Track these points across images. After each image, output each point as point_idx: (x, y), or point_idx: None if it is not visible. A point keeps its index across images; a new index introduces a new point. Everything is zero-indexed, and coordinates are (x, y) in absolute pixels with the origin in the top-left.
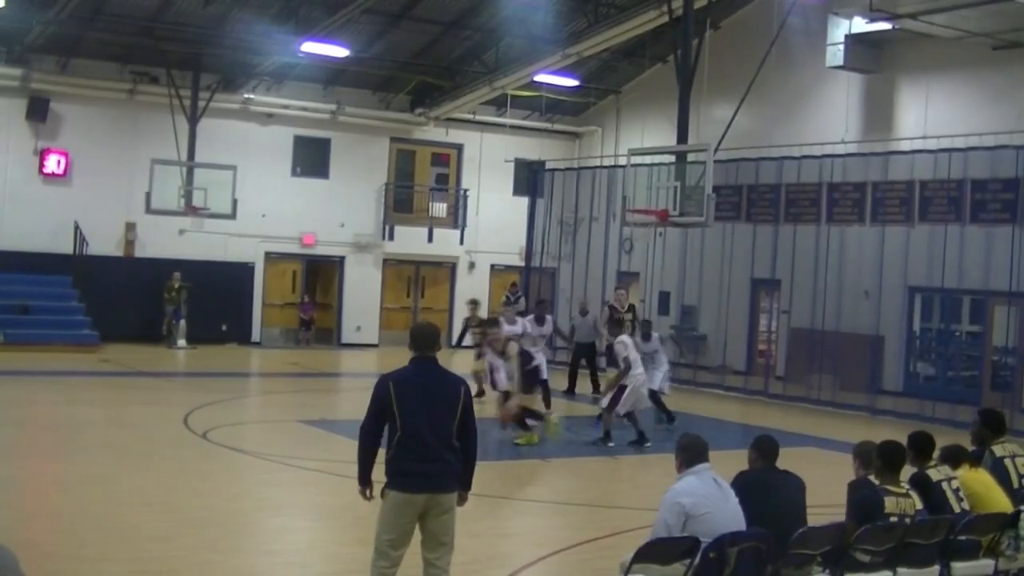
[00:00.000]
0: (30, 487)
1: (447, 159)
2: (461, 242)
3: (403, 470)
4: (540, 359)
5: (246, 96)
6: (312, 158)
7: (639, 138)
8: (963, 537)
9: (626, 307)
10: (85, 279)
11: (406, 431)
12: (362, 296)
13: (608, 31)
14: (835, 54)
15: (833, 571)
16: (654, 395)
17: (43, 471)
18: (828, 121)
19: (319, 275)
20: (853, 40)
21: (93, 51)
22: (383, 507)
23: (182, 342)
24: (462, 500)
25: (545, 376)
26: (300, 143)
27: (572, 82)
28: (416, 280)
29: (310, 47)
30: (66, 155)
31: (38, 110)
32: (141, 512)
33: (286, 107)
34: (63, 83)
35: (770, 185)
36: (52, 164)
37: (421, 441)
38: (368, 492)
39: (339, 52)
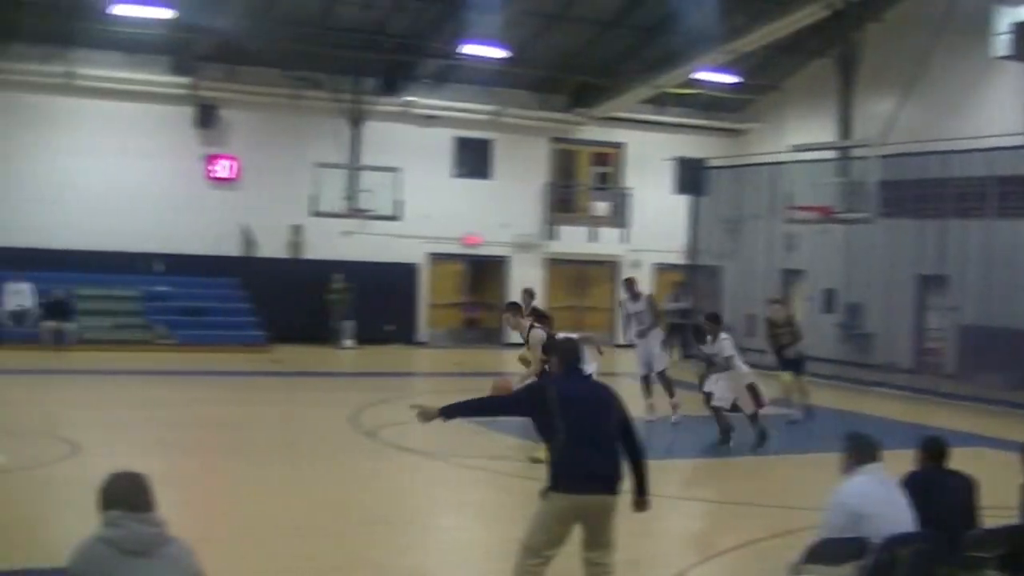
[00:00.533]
0: (203, 484)
1: (607, 158)
2: (624, 241)
3: (570, 473)
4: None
5: (407, 99)
6: (473, 159)
7: (800, 134)
8: None
9: (784, 320)
10: (253, 281)
11: (572, 435)
12: None
13: (767, 26)
14: (1001, 44)
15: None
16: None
17: (215, 469)
18: (996, 113)
19: (483, 275)
20: (1020, 29)
21: (258, 58)
22: (544, 508)
23: (348, 342)
24: (643, 504)
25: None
26: (461, 144)
27: (731, 79)
28: (579, 280)
29: (469, 49)
30: (234, 160)
31: (206, 117)
32: (309, 509)
33: (447, 109)
34: (229, 90)
35: (936, 180)
36: (220, 169)
37: (586, 445)
38: (435, 418)
39: (498, 53)
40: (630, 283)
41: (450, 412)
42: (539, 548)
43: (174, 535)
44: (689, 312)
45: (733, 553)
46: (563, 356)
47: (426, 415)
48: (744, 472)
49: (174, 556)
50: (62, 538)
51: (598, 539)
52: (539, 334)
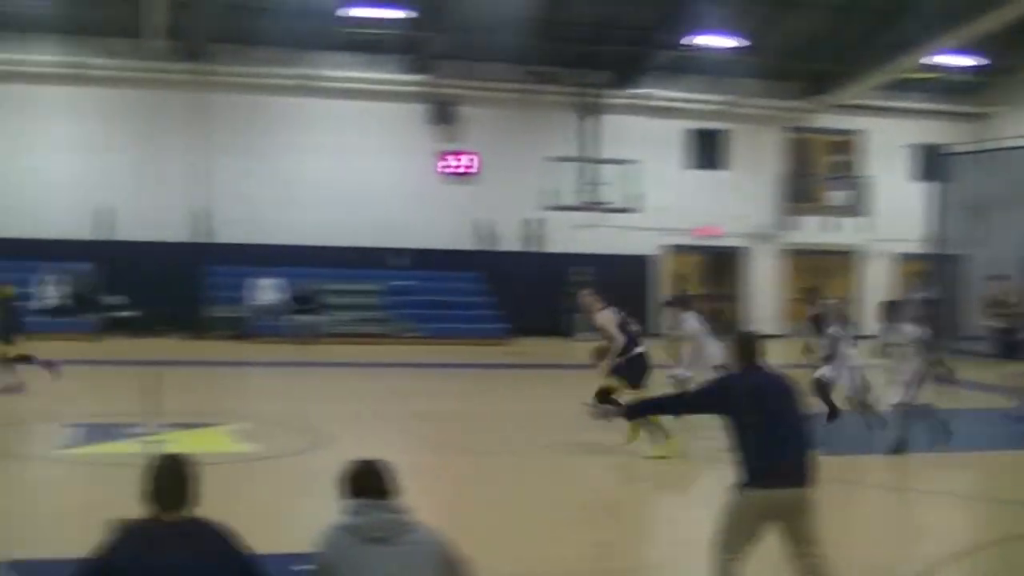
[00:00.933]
0: (442, 477)
1: (843, 146)
2: (862, 230)
3: (761, 468)
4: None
5: (640, 91)
6: (707, 150)
7: None
8: None
9: (1005, 300)
10: (493, 274)
11: (760, 429)
12: (764, 287)
13: (1006, 7)
14: None
15: None
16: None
17: (454, 461)
18: None
19: (720, 266)
20: None
21: (491, 54)
22: (736, 504)
23: (588, 335)
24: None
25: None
26: (695, 135)
27: (970, 61)
28: (818, 271)
29: (701, 39)
30: (473, 155)
31: (442, 113)
32: (547, 503)
33: (680, 100)
34: (464, 86)
35: None
36: (458, 164)
37: (776, 438)
38: (614, 417)
39: (730, 43)
40: (809, 294)
41: (634, 411)
42: (733, 545)
43: (419, 522)
44: (934, 302)
45: (978, 553)
46: (743, 349)
47: (603, 413)
48: (985, 465)
49: (418, 542)
50: (307, 525)
51: (800, 534)
52: (609, 315)
